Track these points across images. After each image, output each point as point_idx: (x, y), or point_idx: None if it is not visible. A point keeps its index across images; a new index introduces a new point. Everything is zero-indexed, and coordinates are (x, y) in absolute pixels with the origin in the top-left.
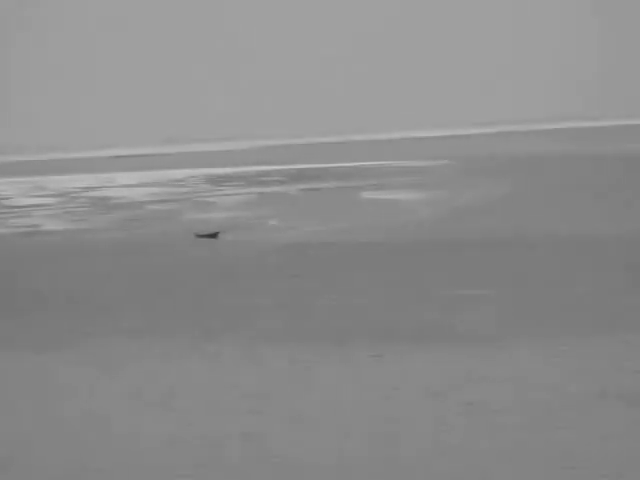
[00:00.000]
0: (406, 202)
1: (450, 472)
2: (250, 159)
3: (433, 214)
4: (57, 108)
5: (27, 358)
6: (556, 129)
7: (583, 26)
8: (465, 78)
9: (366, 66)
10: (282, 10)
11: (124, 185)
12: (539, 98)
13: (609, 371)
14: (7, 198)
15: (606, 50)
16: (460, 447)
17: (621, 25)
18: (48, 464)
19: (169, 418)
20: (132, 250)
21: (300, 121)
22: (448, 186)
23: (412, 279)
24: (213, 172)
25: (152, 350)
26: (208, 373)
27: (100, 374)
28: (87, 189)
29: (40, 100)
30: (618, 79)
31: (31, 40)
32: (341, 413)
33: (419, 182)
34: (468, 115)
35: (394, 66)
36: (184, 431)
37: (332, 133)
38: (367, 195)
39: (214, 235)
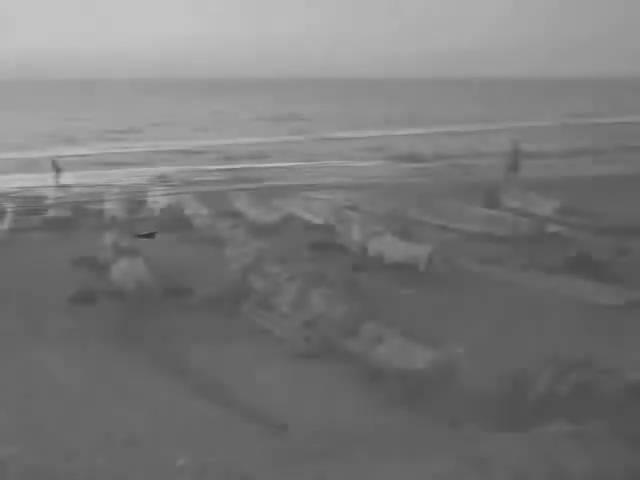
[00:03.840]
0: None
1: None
2: (187, 159)
3: None
4: None
5: None
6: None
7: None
8: None
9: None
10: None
11: (60, 185)
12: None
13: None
14: None
15: None
16: None
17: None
18: None
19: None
20: (68, 250)
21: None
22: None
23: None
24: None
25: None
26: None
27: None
28: (22, 189)
29: None
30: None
31: None
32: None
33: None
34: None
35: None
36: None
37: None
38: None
39: (153, 235)
